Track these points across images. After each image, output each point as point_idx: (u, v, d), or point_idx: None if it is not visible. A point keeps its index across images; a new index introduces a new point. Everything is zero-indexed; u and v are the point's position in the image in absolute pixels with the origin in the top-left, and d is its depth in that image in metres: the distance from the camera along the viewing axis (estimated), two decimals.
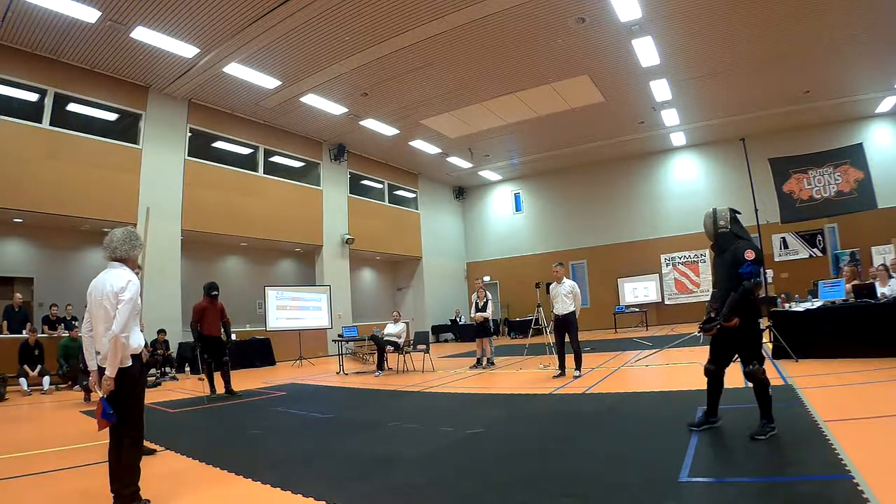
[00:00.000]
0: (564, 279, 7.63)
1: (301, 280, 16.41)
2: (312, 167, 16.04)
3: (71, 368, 8.90)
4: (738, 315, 3.64)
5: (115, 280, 2.84)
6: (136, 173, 11.40)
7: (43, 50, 9.85)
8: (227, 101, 12.88)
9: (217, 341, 7.82)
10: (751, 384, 3.65)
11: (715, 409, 3.87)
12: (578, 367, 7.49)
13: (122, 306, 2.76)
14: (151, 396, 7.78)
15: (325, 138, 15.92)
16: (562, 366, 7.58)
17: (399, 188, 19.62)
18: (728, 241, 3.81)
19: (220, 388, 7.81)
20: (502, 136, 16.42)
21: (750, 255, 3.60)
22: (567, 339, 7.53)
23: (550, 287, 7.71)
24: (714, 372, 3.86)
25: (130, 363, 2.84)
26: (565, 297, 7.48)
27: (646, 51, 11.14)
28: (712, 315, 3.86)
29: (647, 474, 3.03)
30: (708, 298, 4.05)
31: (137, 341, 2.89)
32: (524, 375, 8.22)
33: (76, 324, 9.92)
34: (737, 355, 3.79)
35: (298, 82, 11.91)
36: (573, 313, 7.45)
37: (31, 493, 3.38)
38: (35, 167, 9.84)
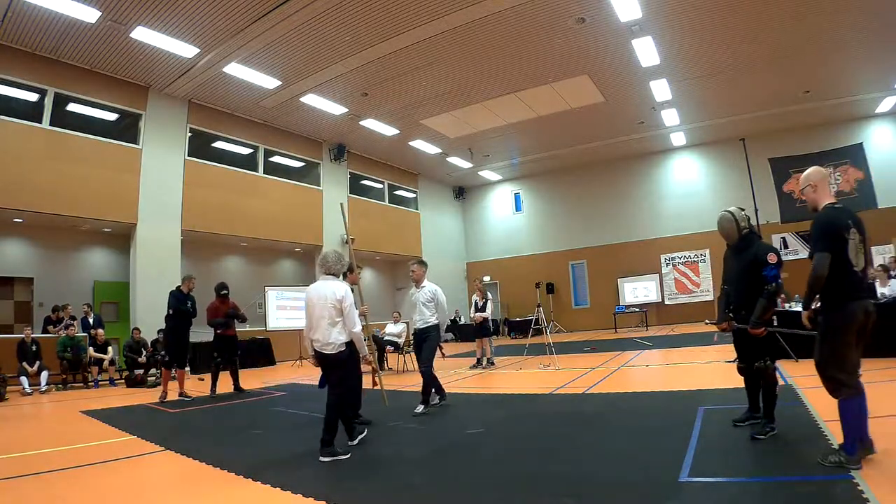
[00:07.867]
0: (426, 283, 5.72)
1: (301, 280, 16.38)
2: (312, 167, 16.04)
3: (71, 360, 9.39)
4: (766, 322, 3.62)
5: (336, 289, 3.98)
6: (136, 173, 11.40)
7: (43, 50, 9.85)
8: (227, 101, 12.88)
9: (230, 340, 8.04)
10: (760, 381, 3.65)
11: (757, 405, 3.84)
12: (425, 399, 5.40)
13: (348, 311, 3.95)
14: (152, 396, 7.79)
15: (325, 138, 15.92)
16: (426, 400, 5.46)
17: (399, 188, 19.62)
18: (750, 241, 3.82)
19: (221, 389, 7.82)
20: (502, 136, 16.42)
21: (773, 258, 3.60)
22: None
23: (410, 293, 5.97)
24: (746, 369, 3.87)
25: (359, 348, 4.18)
26: (424, 305, 5.60)
27: (646, 51, 11.14)
28: (730, 315, 3.84)
29: (647, 474, 3.03)
30: (712, 297, 4.05)
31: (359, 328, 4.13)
32: (524, 375, 8.22)
33: (73, 323, 9.98)
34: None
35: (298, 82, 11.91)
36: (435, 326, 5.56)
37: (31, 494, 3.38)
38: (35, 167, 9.85)
